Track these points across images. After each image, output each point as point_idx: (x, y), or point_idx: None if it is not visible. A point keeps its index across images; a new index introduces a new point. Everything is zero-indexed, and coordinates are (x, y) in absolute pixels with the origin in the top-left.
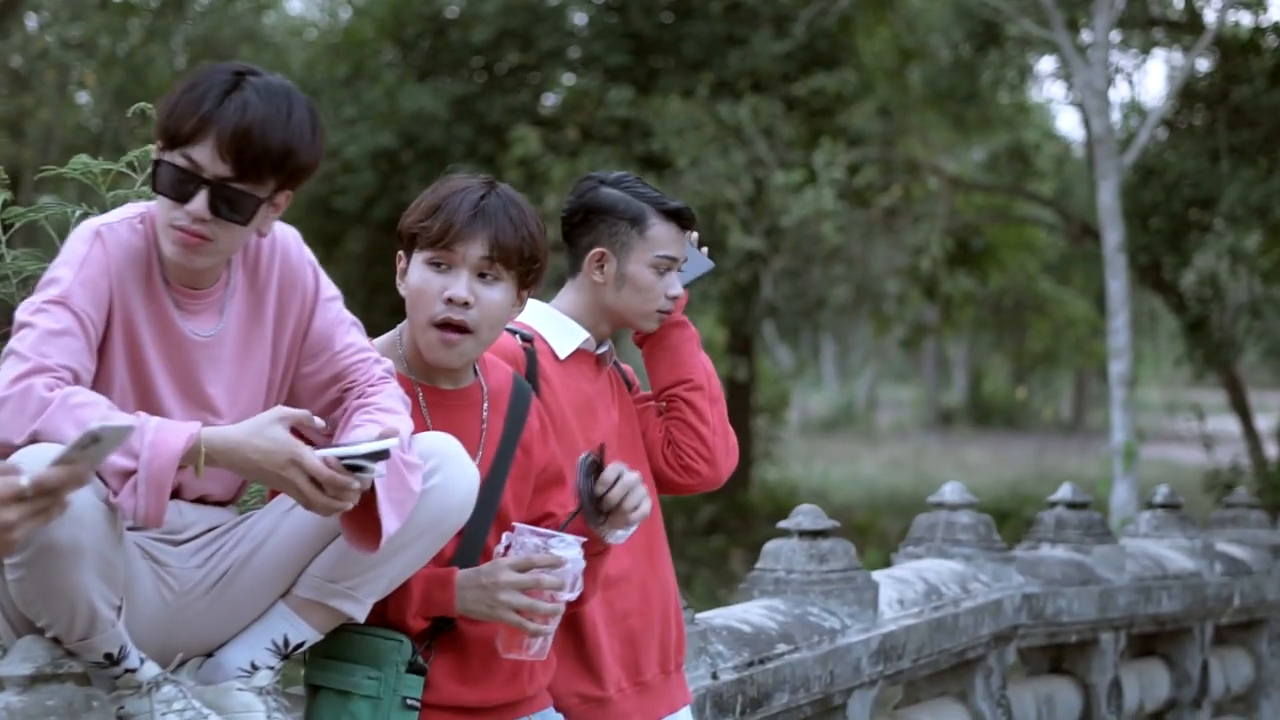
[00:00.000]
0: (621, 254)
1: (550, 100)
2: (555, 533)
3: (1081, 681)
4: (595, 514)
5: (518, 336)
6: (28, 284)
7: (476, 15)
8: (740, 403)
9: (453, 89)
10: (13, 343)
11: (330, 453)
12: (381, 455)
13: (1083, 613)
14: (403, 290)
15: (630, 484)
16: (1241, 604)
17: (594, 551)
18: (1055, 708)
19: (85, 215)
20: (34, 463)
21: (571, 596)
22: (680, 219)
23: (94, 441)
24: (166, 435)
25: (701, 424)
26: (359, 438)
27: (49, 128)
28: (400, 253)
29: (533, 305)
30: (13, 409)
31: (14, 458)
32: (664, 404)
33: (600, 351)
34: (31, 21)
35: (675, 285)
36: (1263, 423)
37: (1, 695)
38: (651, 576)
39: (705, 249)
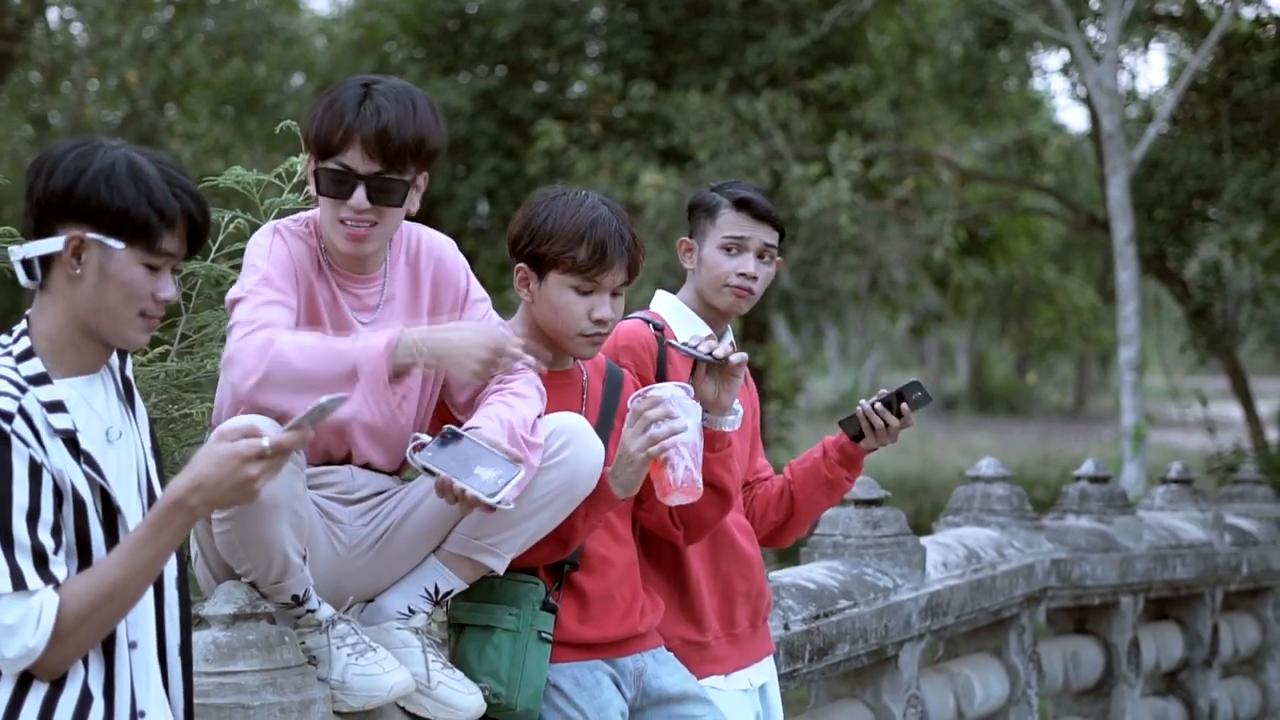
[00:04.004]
0: (700, 240)
1: (572, 93)
2: (651, 386)
3: (1104, 641)
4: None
5: (650, 325)
6: (187, 280)
7: (499, 11)
8: (756, 388)
9: (475, 83)
10: (234, 316)
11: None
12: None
13: (1105, 577)
14: (526, 296)
15: (711, 343)
16: (1249, 572)
17: (716, 450)
18: (1080, 664)
19: (235, 218)
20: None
21: (688, 421)
22: (749, 208)
23: (322, 412)
24: (370, 339)
25: (774, 512)
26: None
27: (87, 122)
28: (522, 265)
29: (663, 296)
30: (245, 358)
31: (249, 422)
32: (786, 476)
33: None
34: (53, 14)
35: (747, 265)
36: (1263, 408)
37: (208, 631)
38: (749, 545)
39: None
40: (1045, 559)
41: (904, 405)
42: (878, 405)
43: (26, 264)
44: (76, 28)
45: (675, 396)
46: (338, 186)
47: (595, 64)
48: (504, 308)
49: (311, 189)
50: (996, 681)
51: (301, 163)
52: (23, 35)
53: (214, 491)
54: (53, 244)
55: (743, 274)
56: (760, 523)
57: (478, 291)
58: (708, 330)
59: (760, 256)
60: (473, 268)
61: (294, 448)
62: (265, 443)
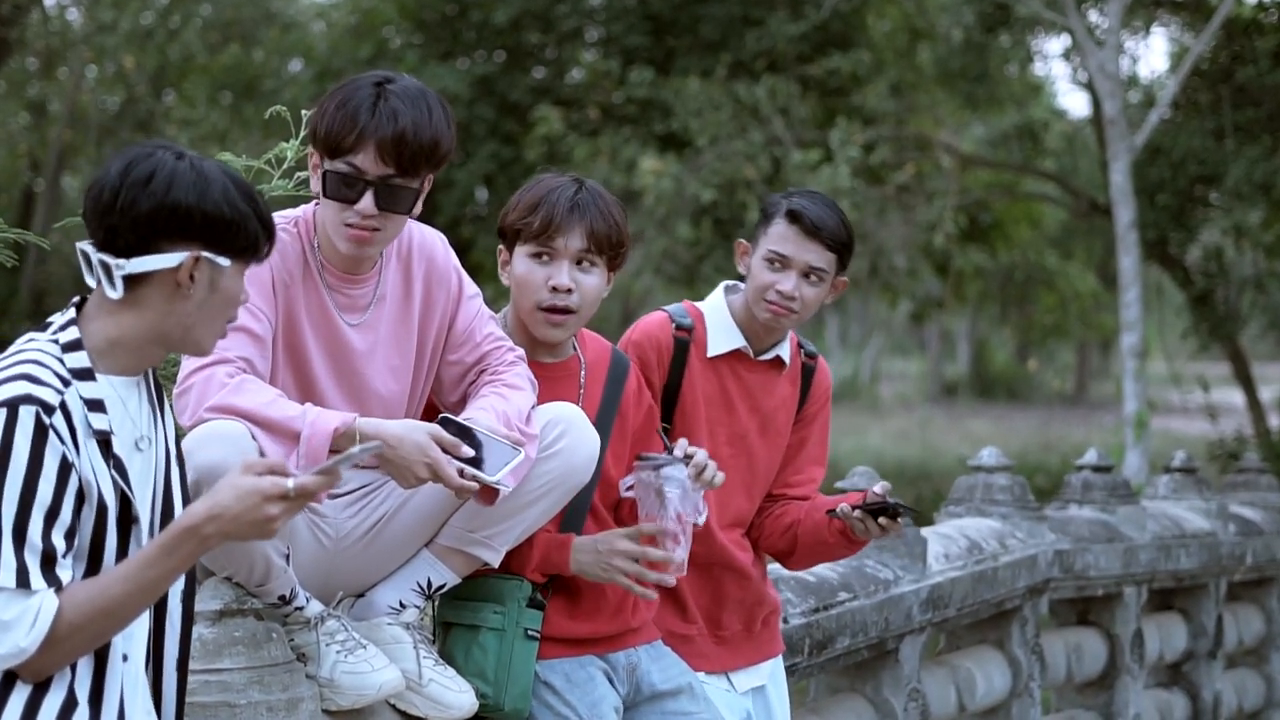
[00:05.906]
0: (754, 245)
1: (571, 79)
2: (667, 457)
3: (1107, 632)
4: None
5: (674, 325)
6: None
7: None
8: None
9: (474, 69)
10: None
11: (473, 473)
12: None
13: (1109, 568)
14: (506, 280)
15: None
16: (1253, 562)
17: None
18: (1083, 656)
19: None
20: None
21: (682, 555)
22: (798, 221)
23: (350, 460)
24: (324, 420)
25: (779, 541)
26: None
27: (84, 108)
28: (501, 247)
29: (718, 296)
30: (196, 395)
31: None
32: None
33: (765, 357)
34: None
35: (786, 284)
36: (1266, 394)
37: (195, 628)
38: (744, 555)
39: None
40: (1048, 550)
41: (883, 520)
42: (858, 513)
43: (107, 271)
44: (73, 13)
45: (683, 561)
46: (346, 190)
47: (594, 49)
48: (502, 296)
49: (316, 188)
50: (998, 674)
51: (292, 149)
52: (19, 21)
53: (231, 524)
54: (165, 261)
55: (780, 292)
56: (764, 542)
57: (470, 288)
58: (740, 342)
59: (806, 276)
60: (471, 254)
61: (319, 491)
62: (290, 484)
